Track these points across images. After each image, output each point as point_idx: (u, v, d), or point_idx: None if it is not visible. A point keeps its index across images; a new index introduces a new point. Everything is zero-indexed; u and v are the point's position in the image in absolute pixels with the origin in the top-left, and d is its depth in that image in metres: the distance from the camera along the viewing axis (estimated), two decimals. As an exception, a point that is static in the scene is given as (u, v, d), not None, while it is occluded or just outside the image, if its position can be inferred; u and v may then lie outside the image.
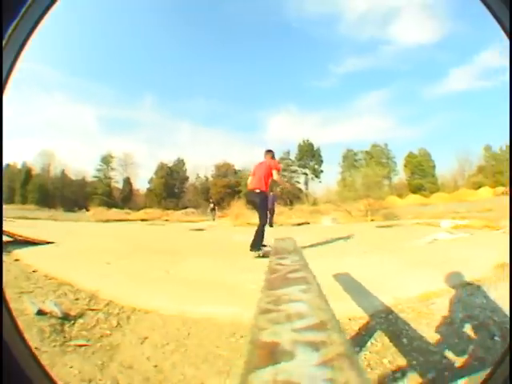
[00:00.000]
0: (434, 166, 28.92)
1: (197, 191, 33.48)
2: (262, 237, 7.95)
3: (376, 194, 21.10)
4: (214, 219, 25.36)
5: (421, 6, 31.62)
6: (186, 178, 34.16)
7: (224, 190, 32.48)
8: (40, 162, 33.95)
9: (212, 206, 26.63)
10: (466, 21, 31.97)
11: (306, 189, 31.93)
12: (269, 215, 11.37)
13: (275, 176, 8.18)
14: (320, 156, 32.20)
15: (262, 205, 8.12)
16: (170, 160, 34.07)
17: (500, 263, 5.40)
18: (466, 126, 31.58)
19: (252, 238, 8.01)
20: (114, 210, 30.97)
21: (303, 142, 32.24)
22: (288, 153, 32.59)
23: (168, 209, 30.53)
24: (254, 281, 4.99)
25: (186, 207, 31.00)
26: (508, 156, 28.33)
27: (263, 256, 7.59)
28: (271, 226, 17.15)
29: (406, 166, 31.82)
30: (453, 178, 29.46)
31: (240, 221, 20.71)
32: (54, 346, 3.14)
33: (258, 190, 8.10)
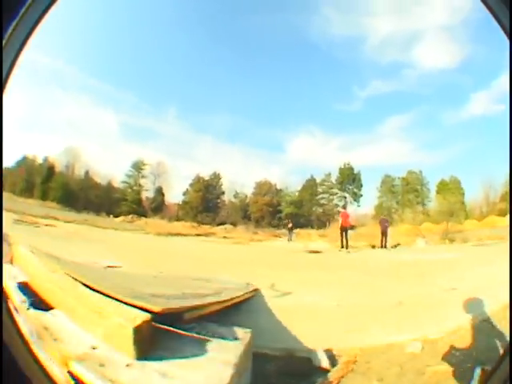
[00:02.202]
0: (463, 194, 28.99)
1: (235, 208, 32.89)
2: None
3: (454, 219, 23.60)
4: (290, 239, 24.69)
5: (441, 29, 31.10)
6: (222, 193, 33.54)
7: (266, 209, 31.99)
8: (64, 160, 32.87)
9: (290, 225, 25.90)
10: (486, 43, 31.41)
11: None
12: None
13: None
14: (360, 180, 32.10)
15: None
16: (205, 173, 33.30)
17: None
18: (487, 152, 31.30)
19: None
20: (153, 220, 29.54)
21: (344, 165, 31.99)
22: (329, 175, 32.41)
23: (203, 223, 29.74)
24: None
25: (223, 223, 30.35)
26: None
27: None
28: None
29: (438, 192, 31.90)
30: (478, 205, 29.62)
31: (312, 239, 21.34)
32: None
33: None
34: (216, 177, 33.51)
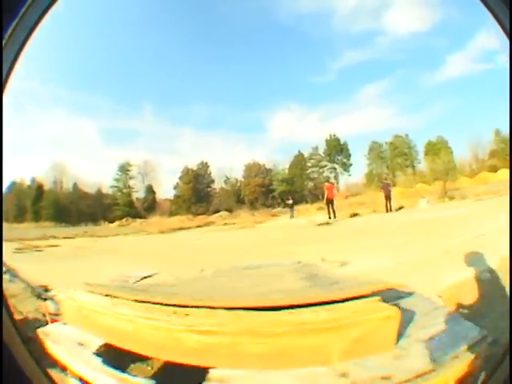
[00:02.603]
0: (452, 153, 29.46)
1: (228, 194, 32.79)
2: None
3: (449, 178, 24.79)
4: (292, 216, 24.69)
5: None
6: (212, 181, 33.44)
7: (259, 190, 32.04)
8: (51, 177, 32.74)
9: (291, 202, 25.82)
10: (457, 5, 31.28)
11: (337, 183, 32.06)
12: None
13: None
14: (348, 150, 32.45)
15: None
16: (192, 164, 33.06)
17: None
18: (470, 111, 31.58)
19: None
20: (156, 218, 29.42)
21: (330, 137, 32.37)
22: (317, 148, 32.63)
23: (199, 214, 29.80)
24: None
25: (217, 211, 30.38)
26: None
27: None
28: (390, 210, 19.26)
29: (426, 154, 32.29)
30: (467, 162, 30.29)
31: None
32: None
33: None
34: (204, 166, 33.23)
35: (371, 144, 32.96)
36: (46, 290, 5.83)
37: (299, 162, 32.40)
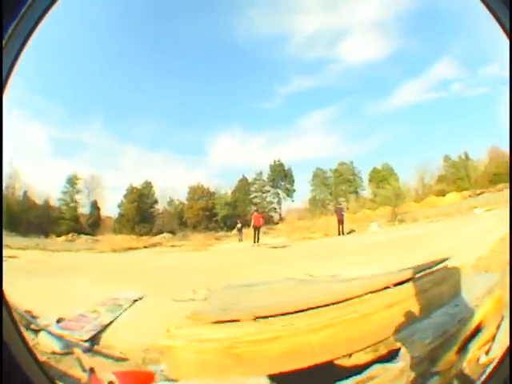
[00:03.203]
0: (398, 179, 30.23)
1: (171, 216, 31.96)
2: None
3: (398, 202, 24.92)
4: (241, 240, 24.43)
5: (372, 25, 30.88)
6: (156, 202, 32.47)
7: (202, 213, 31.41)
8: (4, 181, 30.80)
9: (240, 226, 25.57)
10: (417, 36, 31.29)
11: (280, 208, 32.26)
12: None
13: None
14: (291, 176, 32.61)
15: None
16: (137, 183, 31.92)
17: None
18: (418, 138, 32.08)
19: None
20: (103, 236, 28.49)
21: (274, 162, 32.38)
22: (260, 173, 32.52)
23: (142, 234, 28.89)
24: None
25: (160, 232, 29.69)
26: (464, 163, 31.46)
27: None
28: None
29: (371, 181, 33.06)
30: (414, 188, 31.34)
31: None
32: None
33: None
34: (148, 185, 32.36)
35: (315, 170, 33.06)
36: (33, 316, 5.45)
37: (243, 186, 31.26)
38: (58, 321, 5.60)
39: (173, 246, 23.41)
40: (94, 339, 5.18)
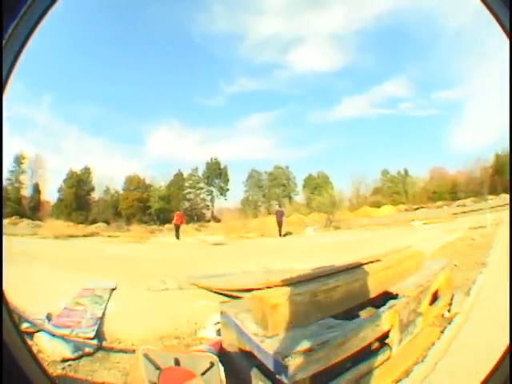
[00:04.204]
0: (332, 188, 30.95)
1: (106, 205, 31.21)
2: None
3: (334, 210, 26.91)
4: (178, 236, 23.37)
5: (329, 37, 30.94)
6: (93, 189, 31.54)
7: (136, 204, 30.77)
8: None
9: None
10: (374, 54, 31.45)
11: (213, 206, 32.34)
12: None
13: None
14: (226, 175, 32.54)
15: None
16: (77, 168, 30.78)
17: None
18: (357, 151, 32.79)
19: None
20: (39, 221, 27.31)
21: (211, 160, 32.28)
22: (196, 169, 32.34)
23: (78, 222, 28.02)
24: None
25: (95, 221, 28.90)
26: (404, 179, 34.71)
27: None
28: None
29: (305, 187, 33.61)
30: (348, 198, 32.29)
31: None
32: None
33: None
34: (86, 171, 31.62)
35: (251, 172, 33.47)
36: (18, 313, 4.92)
37: (178, 181, 32.15)
38: (48, 318, 5.42)
39: (110, 236, 23.23)
40: (98, 335, 5.03)
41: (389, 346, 4.13)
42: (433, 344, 4.44)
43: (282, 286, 4.36)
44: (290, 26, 31.32)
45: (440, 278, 5.86)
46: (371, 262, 5.68)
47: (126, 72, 31.31)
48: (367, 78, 31.17)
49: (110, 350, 4.70)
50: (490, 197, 25.47)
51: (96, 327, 5.21)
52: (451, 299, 5.84)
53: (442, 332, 4.75)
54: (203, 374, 3.07)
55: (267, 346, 3.29)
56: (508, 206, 20.02)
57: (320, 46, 30.93)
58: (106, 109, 31.11)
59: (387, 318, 4.10)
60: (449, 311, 5.50)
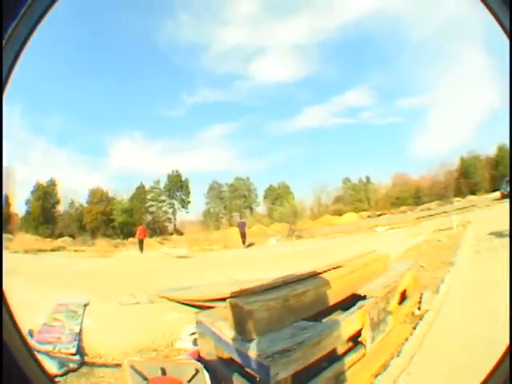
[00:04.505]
0: (293, 198, 31.64)
1: (72, 218, 30.55)
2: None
3: (296, 219, 27.07)
4: (141, 250, 23.16)
5: (292, 47, 31.55)
6: (58, 202, 30.78)
7: (100, 217, 30.26)
8: None
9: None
10: (337, 64, 32.16)
11: (175, 219, 32.29)
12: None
13: None
14: (188, 187, 32.52)
15: None
16: (43, 180, 29.90)
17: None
18: (319, 160, 33.62)
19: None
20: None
21: (172, 172, 32.15)
22: (158, 182, 32.13)
23: (45, 236, 27.41)
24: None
25: (61, 235, 28.26)
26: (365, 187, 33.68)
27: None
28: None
29: (266, 197, 34.25)
30: (310, 207, 33.03)
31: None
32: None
33: None
34: (52, 184, 30.78)
35: (212, 183, 33.66)
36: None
37: (140, 194, 31.76)
38: (31, 334, 5.39)
39: (76, 250, 22.93)
40: (79, 350, 5.12)
41: (362, 343, 4.39)
42: (406, 340, 4.67)
43: (256, 293, 4.51)
44: (255, 36, 31.24)
45: (407, 278, 6.14)
46: (338, 267, 5.95)
47: (90, 80, 30.07)
48: (329, 88, 31.42)
49: (93, 364, 4.78)
50: (456, 199, 26.19)
51: (76, 343, 5.30)
52: (420, 298, 6.13)
53: (415, 328, 5.01)
54: (189, 381, 3.13)
55: (248, 350, 3.50)
56: (473, 208, 20.96)
57: (282, 57, 31.17)
58: (69, 119, 29.83)
59: (357, 318, 4.37)
60: (419, 309, 5.77)
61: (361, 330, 4.39)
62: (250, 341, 3.66)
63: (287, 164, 34.61)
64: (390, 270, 6.44)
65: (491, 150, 28.95)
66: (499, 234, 10.40)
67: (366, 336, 4.40)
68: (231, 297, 4.61)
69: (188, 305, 6.80)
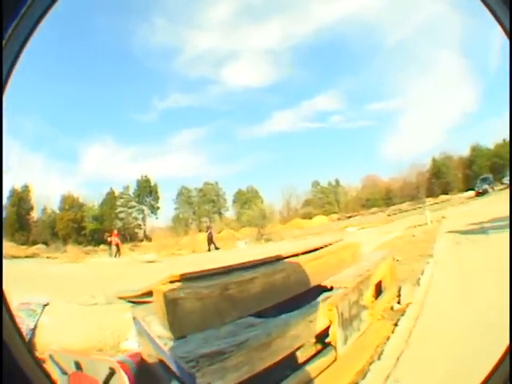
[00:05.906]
0: (262, 202, 32.20)
1: (45, 225, 30.12)
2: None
3: (265, 223, 28.02)
4: (116, 255, 22.78)
5: (264, 52, 32.10)
6: (31, 209, 30.25)
7: (71, 224, 29.91)
8: None
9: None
10: (308, 69, 32.98)
11: (144, 225, 32.29)
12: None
13: None
14: (157, 192, 32.54)
15: None
16: (18, 186, 29.28)
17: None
18: (288, 164, 34.60)
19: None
20: None
21: (141, 177, 32.03)
22: (127, 188, 31.92)
23: (20, 243, 27.07)
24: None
25: (36, 242, 27.93)
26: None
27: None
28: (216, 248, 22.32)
29: (235, 202, 34.66)
30: (279, 211, 33.68)
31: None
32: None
33: None
34: (26, 189, 30.33)
35: (180, 189, 33.94)
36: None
37: (110, 200, 31.74)
38: None
39: (48, 257, 23.16)
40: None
41: (332, 345, 3.69)
42: (387, 339, 4.16)
43: (187, 279, 3.67)
44: (227, 40, 31.40)
45: (382, 268, 5.56)
46: (297, 254, 5.05)
47: (62, 84, 29.04)
48: (299, 93, 31.95)
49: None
50: (428, 199, 26.84)
51: (28, 337, 5.63)
52: (398, 291, 5.67)
53: (396, 325, 4.49)
54: (105, 382, 2.86)
55: (170, 350, 2.87)
56: (446, 205, 21.46)
57: (254, 61, 31.21)
58: (43, 124, 28.89)
59: (322, 313, 3.62)
60: (399, 303, 5.31)
61: (328, 328, 3.66)
62: (178, 338, 2.99)
63: (256, 168, 35.05)
64: (363, 260, 5.83)
65: (464, 151, 30.29)
66: (479, 226, 10.66)
67: (335, 336, 3.65)
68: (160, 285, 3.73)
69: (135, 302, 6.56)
